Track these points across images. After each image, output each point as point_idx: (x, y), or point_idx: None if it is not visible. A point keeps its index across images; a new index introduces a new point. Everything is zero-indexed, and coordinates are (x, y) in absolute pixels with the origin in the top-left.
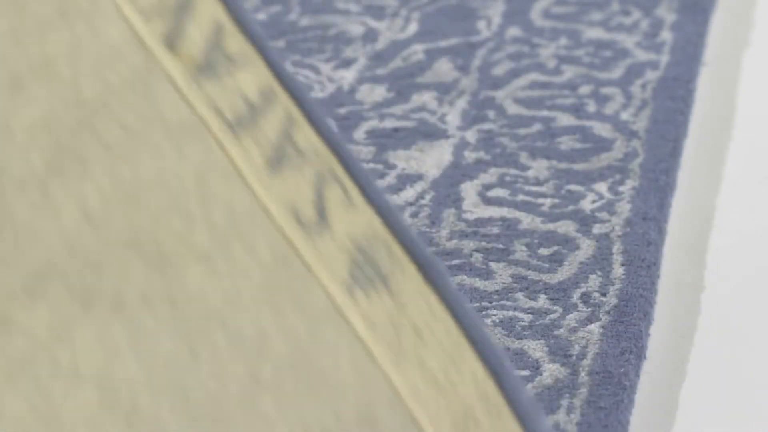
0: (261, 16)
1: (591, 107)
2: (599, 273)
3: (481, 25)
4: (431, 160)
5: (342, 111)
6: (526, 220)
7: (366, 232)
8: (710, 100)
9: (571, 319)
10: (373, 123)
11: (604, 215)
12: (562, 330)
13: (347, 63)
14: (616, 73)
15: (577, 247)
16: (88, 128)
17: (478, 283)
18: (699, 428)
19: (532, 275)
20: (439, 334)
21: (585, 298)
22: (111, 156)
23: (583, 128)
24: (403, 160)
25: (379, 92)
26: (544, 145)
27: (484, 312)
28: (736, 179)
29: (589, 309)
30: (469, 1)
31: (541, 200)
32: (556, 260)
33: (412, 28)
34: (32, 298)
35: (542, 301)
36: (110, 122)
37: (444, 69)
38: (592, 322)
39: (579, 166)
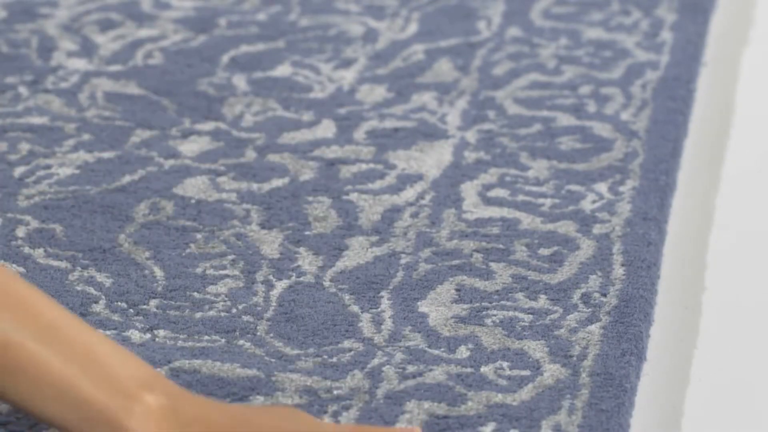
0: (261, 16)
1: (591, 107)
2: (599, 273)
3: (481, 25)
4: (431, 160)
5: (342, 111)
6: (526, 220)
7: None
8: (710, 100)
9: (572, 319)
10: (373, 123)
11: (604, 215)
12: (562, 330)
13: (347, 63)
14: (616, 73)
15: (578, 248)
16: None
17: (478, 283)
18: (701, 431)
19: (532, 275)
20: None
21: (585, 298)
22: None
23: (583, 128)
24: (403, 160)
25: (379, 92)
26: (544, 145)
27: (484, 312)
28: (735, 179)
29: (590, 309)
30: (469, 1)
31: (541, 200)
32: (556, 260)
33: (412, 28)
34: None
35: (542, 301)
36: None
37: (444, 69)
38: (592, 323)
39: (579, 166)
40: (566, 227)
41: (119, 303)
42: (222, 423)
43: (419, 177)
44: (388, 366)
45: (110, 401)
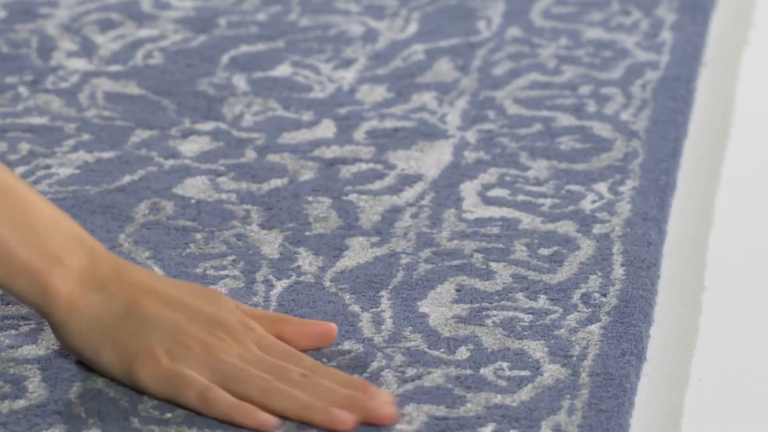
0: (261, 16)
1: (591, 107)
2: (599, 273)
3: (481, 25)
4: (431, 160)
5: (342, 111)
6: (526, 220)
7: None
8: (710, 100)
9: (572, 319)
10: (373, 123)
11: (604, 215)
12: (562, 330)
13: (347, 63)
14: (616, 73)
15: (577, 248)
16: None
17: (479, 284)
18: (701, 431)
19: (532, 275)
20: None
21: (585, 298)
22: None
23: (583, 128)
24: (403, 160)
25: (379, 92)
26: (544, 145)
27: (484, 312)
28: (735, 179)
29: (590, 309)
30: (469, 1)
31: (541, 200)
32: (556, 260)
33: (412, 28)
34: None
35: (542, 301)
36: None
37: (444, 69)
38: (592, 323)
39: (579, 166)
40: (566, 227)
41: None
42: (136, 281)
43: (419, 177)
44: (387, 370)
45: (35, 261)
